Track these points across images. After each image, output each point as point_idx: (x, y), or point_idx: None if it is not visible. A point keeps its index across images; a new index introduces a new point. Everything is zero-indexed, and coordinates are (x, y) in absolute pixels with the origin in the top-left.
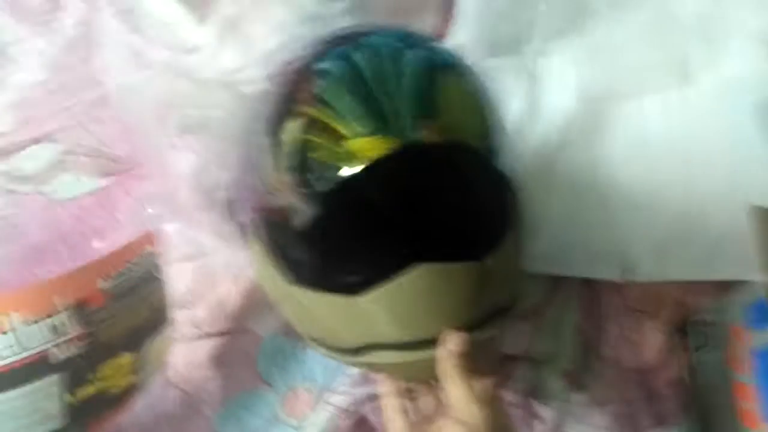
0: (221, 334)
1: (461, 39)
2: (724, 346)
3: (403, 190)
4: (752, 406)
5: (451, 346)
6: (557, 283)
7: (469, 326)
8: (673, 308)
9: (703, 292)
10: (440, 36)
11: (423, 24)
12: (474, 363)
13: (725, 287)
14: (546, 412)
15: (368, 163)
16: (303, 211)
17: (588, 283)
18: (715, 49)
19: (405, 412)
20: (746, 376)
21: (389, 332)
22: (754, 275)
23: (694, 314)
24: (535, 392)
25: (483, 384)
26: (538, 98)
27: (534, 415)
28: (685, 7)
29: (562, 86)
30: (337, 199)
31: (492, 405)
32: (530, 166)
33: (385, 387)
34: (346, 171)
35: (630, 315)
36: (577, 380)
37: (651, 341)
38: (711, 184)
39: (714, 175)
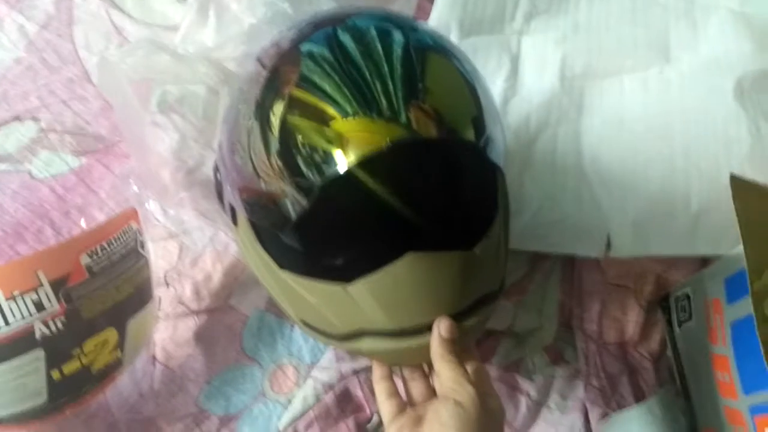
0: (205, 311)
1: (443, 17)
2: (702, 320)
3: (396, 183)
4: (730, 378)
5: (443, 332)
6: (539, 259)
7: (458, 313)
8: (653, 283)
9: (682, 267)
10: (420, 15)
11: (403, 2)
12: (463, 347)
13: (704, 262)
14: (529, 386)
15: (362, 158)
16: (295, 199)
17: (569, 260)
18: (696, 28)
19: (396, 395)
20: (724, 348)
21: (379, 319)
22: (733, 250)
23: (674, 289)
24: (518, 367)
25: (474, 366)
26: (520, 77)
27: (517, 389)
28: None
29: (544, 65)
30: (331, 191)
31: (482, 383)
32: (512, 144)
33: (377, 371)
34: (336, 155)
35: (610, 291)
36: (559, 355)
37: (631, 316)
38: (690, 161)
39: (693, 153)
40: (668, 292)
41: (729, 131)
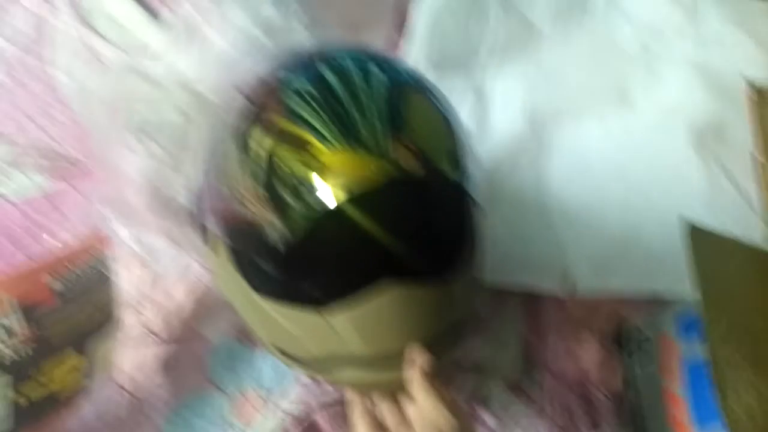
0: (172, 338)
1: (413, 56)
2: (657, 357)
3: (381, 219)
4: (682, 415)
5: (420, 363)
6: (502, 295)
7: (433, 343)
8: (611, 322)
9: (640, 306)
10: (393, 52)
11: (376, 37)
12: (437, 376)
13: (659, 300)
14: (490, 419)
15: (355, 194)
16: (278, 231)
17: (531, 296)
18: (655, 75)
19: (377, 427)
20: (677, 386)
21: (356, 347)
22: (688, 289)
23: (632, 328)
24: (479, 400)
25: (450, 394)
26: (485, 115)
27: (479, 422)
28: (626, 35)
29: (511, 106)
30: (317, 223)
31: (462, 414)
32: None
33: (357, 408)
34: (318, 185)
35: (570, 327)
36: (520, 389)
37: (590, 353)
38: (647, 203)
39: (650, 195)
40: (624, 330)
41: (685, 176)
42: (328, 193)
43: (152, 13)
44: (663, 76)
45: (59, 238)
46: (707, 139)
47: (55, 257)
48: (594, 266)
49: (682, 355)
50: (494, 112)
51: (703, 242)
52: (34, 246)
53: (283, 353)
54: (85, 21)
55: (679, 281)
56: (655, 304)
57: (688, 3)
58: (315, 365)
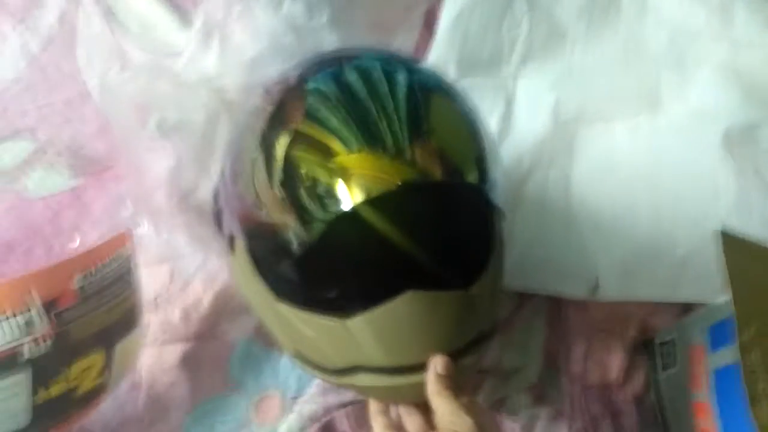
0: (193, 337)
1: (440, 56)
2: (685, 366)
3: (402, 222)
4: (710, 425)
5: (439, 369)
6: (525, 299)
7: (455, 351)
8: (636, 328)
9: (666, 312)
10: (420, 52)
11: (403, 39)
12: (459, 385)
13: (687, 308)
14: (512, 424)
15: (371, 196)
16: (297, 233)
17: (555, 300)
18: (686, 78)
19: (393, 427)
20: (705, 395)
21: (376, 356)
22: (717, 297)
23: (657, 334)
24: (502, 405)
25: (468, 398)
26: (514, 118)
27: (502, 428)
28: (657, 37)
29: (538, 108)
30: (336, 226)
31: (480, 414)
32: (504, 183)
33: (373, 405)
34: (339, 189)
35: (595, 333)
36: (542, 394)
37: (614, 359)
38: (677, 208)
39: (680, 200)
40: (652, 337)
41: (716, 180)
42: (346, 195)
43: (178, 11)
44: (694, 79)
45: (82, 234)
46: (739, 142)
47: (79, 255)
48: (621, 273)
49: (709, 363)
50: (521, 115)
51: (735, 247)
52: (56, 243)
53: (303, 359)
54: (111, 18)
55: (708, 289)
56: (680, 309)
57: (720, 5)
58: (335, 373)
